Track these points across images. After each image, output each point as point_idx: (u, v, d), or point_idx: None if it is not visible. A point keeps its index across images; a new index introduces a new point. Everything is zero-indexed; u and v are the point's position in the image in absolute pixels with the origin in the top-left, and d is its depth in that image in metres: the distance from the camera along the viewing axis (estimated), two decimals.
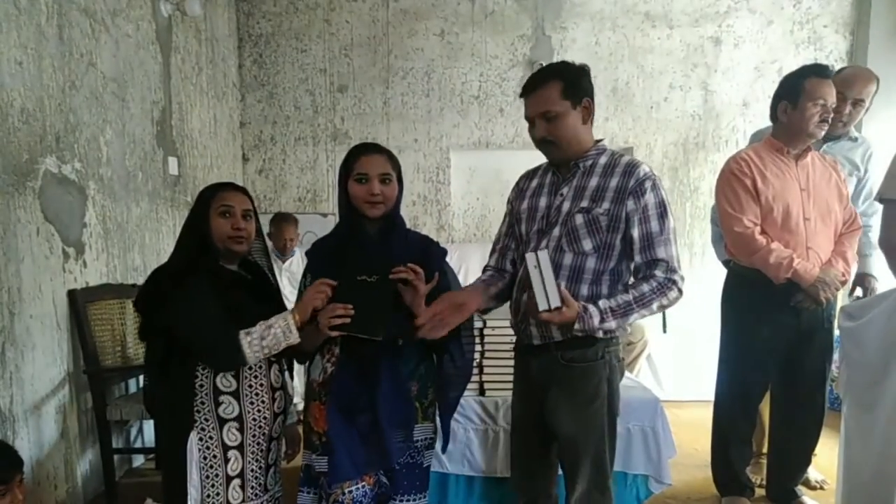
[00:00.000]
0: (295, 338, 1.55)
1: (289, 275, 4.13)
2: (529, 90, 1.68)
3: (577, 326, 1.57)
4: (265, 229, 4.09)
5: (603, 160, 1.68)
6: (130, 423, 2.98)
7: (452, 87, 4.57)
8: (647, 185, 1.61)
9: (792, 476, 2.56)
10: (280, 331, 1.54)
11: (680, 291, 1.63)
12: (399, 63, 4.57)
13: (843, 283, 2.33)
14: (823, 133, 2.33)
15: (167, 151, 3.50)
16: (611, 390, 1.73)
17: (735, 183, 2.35)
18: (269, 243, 4.12)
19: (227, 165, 4.37)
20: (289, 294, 4.10)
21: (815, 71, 2.29)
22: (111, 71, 2.94)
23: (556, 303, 1.52)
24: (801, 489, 2.59)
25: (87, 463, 2.74)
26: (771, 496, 2.60)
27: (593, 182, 1.66)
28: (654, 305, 1.60)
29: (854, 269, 2.42)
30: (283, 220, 3.98)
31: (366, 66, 4.58)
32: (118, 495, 2.74)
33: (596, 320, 1.57)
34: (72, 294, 2.61)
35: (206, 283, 1.55)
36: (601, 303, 1.59)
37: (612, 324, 1.58)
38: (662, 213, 1.61)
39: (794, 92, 2.27)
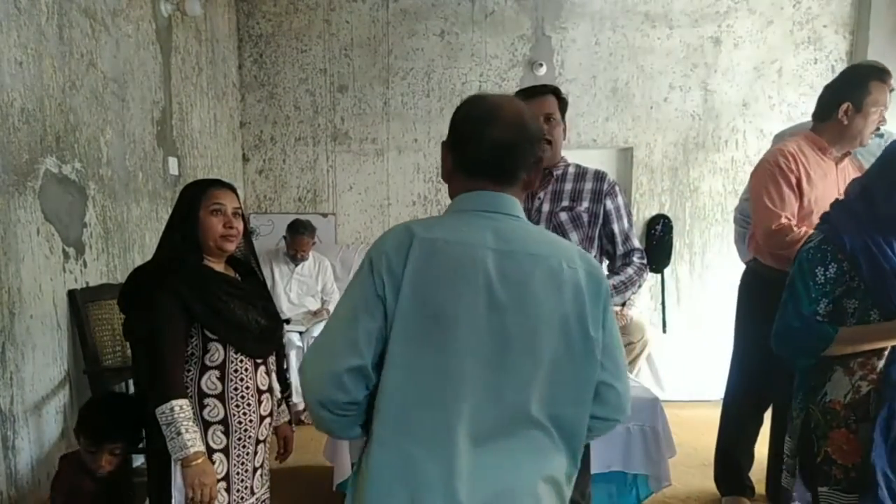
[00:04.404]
0: (178, 454, 1.48)
1: (300, 279, 4.15)
2: (535, 95, 1.94)
3: None
4: (282, 232, 4.15)
5: (572, 169, 2.01)
6: None
7: (452, 88, 4.57)
8: (617, 189, 1.99)
9: None
10: (178, 443, 1.47)
11: (648, 273, 2.03)
12: (399, 63, 4.57)
13: None
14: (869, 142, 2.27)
15: (167, 151, 3.50)
16: None
17: (781, 178, 2.23)
18: (283, 246, 4.16)
19: (227, 165, 4.37)
20: (295, 298, 4.11)
21: (880, 75, 2.18)
22: (111, 71, 2.94)
23: None
24: None
25: None
26: (771, 496, 2.60)
27: (568, 186, 1.97)
28: (637, 285, 1.96)
29: None
30: (297, 232, 4.02)
31: (366, 66, 4.58)
32: None
33: None
34: (72, 294, 2.61)
35: (188, 283, 1.54)
36: None
37: (615, 299, 1.84)
38: (629, 212, 2.02)
39: (859, 94, 2.16)
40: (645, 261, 2.00)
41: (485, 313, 0.98)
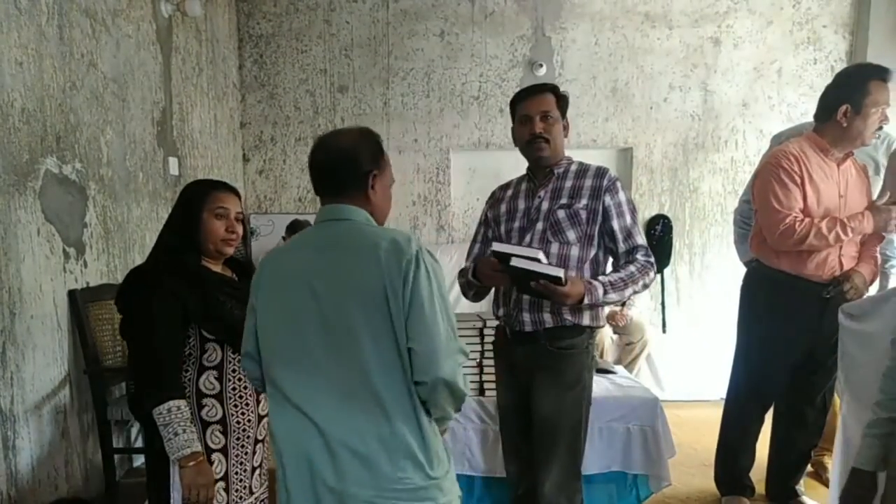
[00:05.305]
0: (176, 454, 1.48)
1: None
2: (531, 94, 1.95)
3: (586, 300, 1.78)
4: (282, 232, 4.15)
5: (574, 167, 1.98)
6: (131, 423, 2.97)
7: (452, 88, 4.58)
8: (618, 185, 1.93)
9: (793, 475, 2.56)
10: (175, 444, 1.48)
11: (656, 272, 1.94)
12: (399, 63, 4.58)
13: (872, 282, 2.32)
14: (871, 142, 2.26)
15: (168, 152, 3.50)
16: (589, 379, 1.95)
17: (785, 177, 2.23)
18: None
19: (227, 166, 4.37)
20: None
21: (880, 74, 2.17)
22: (112, 71, 2.94)
23: (560, 272, 1.72)
24: (801, 488, 2.59)
25: (88, 463, 2.74)
26: (771, 495, 2.60)
27: (568, 183, 1.94)
28: (640, 284, 1.87)
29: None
30: (295, 232, 4.05)
31: (366, 67, 4.59)
32: (119, 495, 2.74)
33: (600, 292, 1.80)
34: (72, 294, 2.61)
35: (185, 284, 1.54)
36: (601, 278, 1.85)
37: (612, 296, 1.83)
38: (632, 208, 1.94)
39: (858, 95, 2.15)
40: (651, 259, 1.90)
41: (312, 304, 1.20)
